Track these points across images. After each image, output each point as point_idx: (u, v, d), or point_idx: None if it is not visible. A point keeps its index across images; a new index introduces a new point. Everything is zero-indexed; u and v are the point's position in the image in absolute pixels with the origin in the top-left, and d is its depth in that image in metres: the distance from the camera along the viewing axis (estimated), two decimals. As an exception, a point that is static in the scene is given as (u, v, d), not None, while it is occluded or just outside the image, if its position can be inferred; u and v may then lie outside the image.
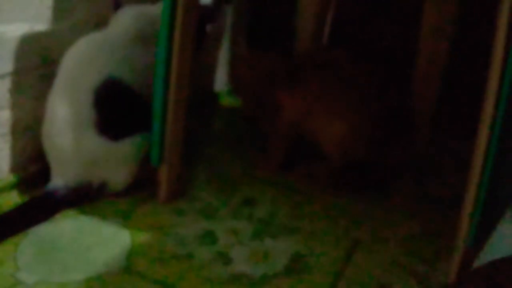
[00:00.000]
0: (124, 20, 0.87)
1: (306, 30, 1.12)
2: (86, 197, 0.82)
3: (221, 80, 1.37)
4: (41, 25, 0.86)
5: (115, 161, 0.83)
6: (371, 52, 1.11)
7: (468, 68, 1.05)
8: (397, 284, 0.70)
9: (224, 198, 0.88)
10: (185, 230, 0.79)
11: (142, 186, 0.86)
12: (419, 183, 0.94)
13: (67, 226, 0.77)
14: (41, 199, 0.80)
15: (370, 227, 0.82)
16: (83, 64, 0.80)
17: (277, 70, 0.93)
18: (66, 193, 0.80)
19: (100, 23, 0.92)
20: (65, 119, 0.79)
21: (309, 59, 0.94)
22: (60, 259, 0.70)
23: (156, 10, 0.88)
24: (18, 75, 0.83)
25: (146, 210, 0.83)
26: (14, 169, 0.86)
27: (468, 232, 0.67)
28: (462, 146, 0.90)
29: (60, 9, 0.88)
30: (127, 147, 0.83)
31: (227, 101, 1.34)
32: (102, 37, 0.85)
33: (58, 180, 0.81)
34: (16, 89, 0.83)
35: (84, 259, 0.71)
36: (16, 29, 0.82)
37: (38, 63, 0.86)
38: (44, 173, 0.85)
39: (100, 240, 0.75)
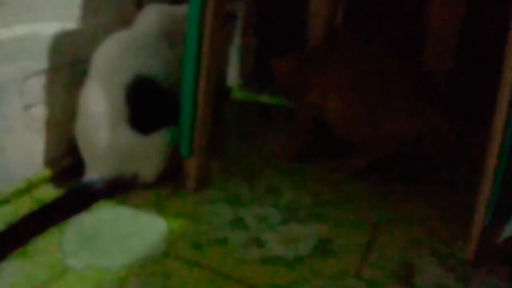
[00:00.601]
0: (150, 19, 0.91)
1: (317, 31, 1.17)
2: (119, 189, 0.86)
3: (232, 75, 1.41)
4: (71, 24, 0.89)
5: (146, 154, 0.87)
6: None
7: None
8: (419, 263, 0.75)
9: (248, 187, 0.93)
10: (216, 217, 0.83)
11: (169, 177, 0.90)
12: (435, 168, 0.99)
13: (105, 216, 0.81)
14: (78, 191, 0.84)
15: (390, 210, 0.87)
16: (113, 62, 0.84)
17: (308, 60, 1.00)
18: (102, 185, 0.84)
19: (125, 21, 0.95)
20: (99, 114, 0.83)
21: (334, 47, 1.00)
22: (103, 246, 0.74)
23: (180, 9, 0.92)
24: (51, 72, 0.87)
25: (176, 199, 0.88)
26: (49, 163, 0.90)
27: (485, 210, 0.72)
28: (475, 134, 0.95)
29: (88, 9, 0.92)
30: (157, 141, 0.87)
31: (239, 95, 1.39)
32: (129, 35, 0.88)
33: (93, 173, 0.85)
34: (50, 86, 0.87)
35: (125, 245, 0.75)
36: (48, 28, 0.85)
37: (69, 60, 0.90)
38: (76, 167, 0.89)
39: (138, 228, 0.79)
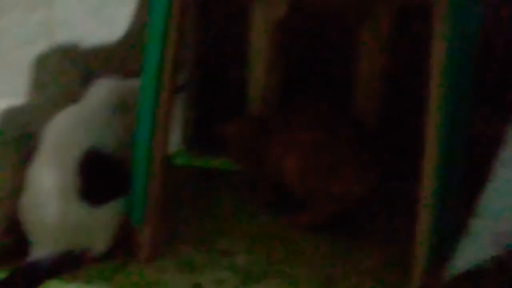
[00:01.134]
0: (99, 93, 0.94)
1: (256, 99, 1.26)
2: (69, 265, 0.83)
3: (174, 141, 1.44)
4: (17, 100, 0.89)
5: (97, 227, 0.85)
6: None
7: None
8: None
9: (202, 252, 0.94)
10: (174, 285, 0.83)
11: (119, 247, 0.89)
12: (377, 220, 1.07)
13: (55, 295, 0.78)
14: (24, 270, 0.80)
15: (340, 263, 0.92)
16: (65, 136, 0.85)
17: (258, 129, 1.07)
18: (50, 262, 0.81)
19: (72, 96, 0.97)
20: (49, 188, 0.82)
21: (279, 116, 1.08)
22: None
23: (129, 83, 0.96)
24: (-2, 148, 0.85)
25: (129, 271, 0.86)
26: (-11, 243, 0.85)
27: (424, 256, 0.79)
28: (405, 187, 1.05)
29: (35, 85, 0.92)
30: (108, 212, 0.86)
31: (181, 160, 1.41)
32: (80, 110, 0.90)
33: (40, 250, 0.82)
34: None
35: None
36: (-4, 105, 0.84)
37: (14, 137, 0.88)
38: (18, 246, 0.85)
39: (92, 305, 0.76)
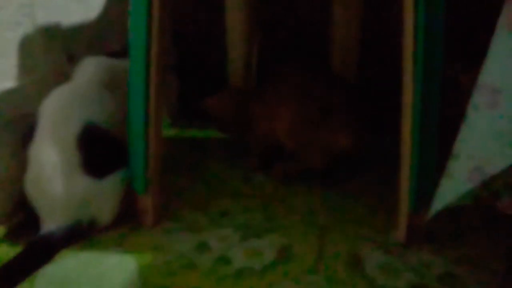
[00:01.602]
0: (89, 70, 0.96)
1: (236, 71, 1.30)
2: (78, 236, 0.88)
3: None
4: (9, 83, 0.91)
5: (102, 198, 0.90)
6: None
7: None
8: (364, 252, 0.87)
9: (202, 214, 1.00)
10: (181, 245, 0.89)
11: (124, 217, 0.94)
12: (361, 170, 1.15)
13: (71, 264, 0.83)
14: (38, 244, 0.84)
15: (331, 213, 1.00)
16: (61, 113, 0.88)
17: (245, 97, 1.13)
18: (61, 234, 0.85)
19: (60, 75, 0.99)
20: (52, 164, 0.85)
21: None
22: (78, 291, 0.76)
23: (115, 61, 0.99)
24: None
25: (138, 236, 0.91)
26: (0, 221, 0.89)
27: (408, 199, 0.87)
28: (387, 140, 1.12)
29: (24, 67, 0.94)
30: (112, 183, 0.91)
31: (168, 132, 1.45)
32: (73, 88, 0.93)
33: (50, 224, 0.86)
34: (-6, 145, 0.87)
35: (99, 286, 0.77)
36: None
37: (10, 119, 0.91)
38: (28, 222, 0.89)
39: (107, 269, 0.82)
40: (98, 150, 0.89)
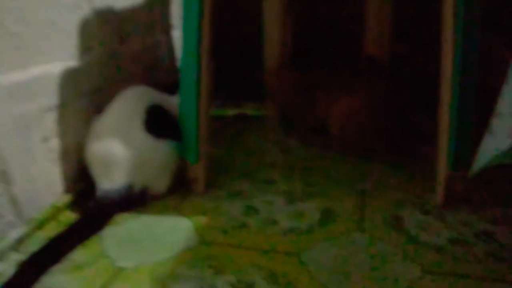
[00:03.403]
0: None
1: (273, 54, 1.38)
2: (134, 201, 0.95)
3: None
4: (72, 62, 0.99)
5: (157, 167, 0.97)
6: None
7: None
8: (404, 213, 0.92)
9: (248, 183, 1.07)
10: (231, 208, 0.96)
11: (173, 187, 1.01)
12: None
13: (133, 225, 0.91)
14: (95, 206, 0.92)
15: (370, 181, 1.05)
16: (135, 99, 1.00)
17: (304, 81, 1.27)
18: (117, 196, 0.92)
19: (111, 54, 1.07)
20: (117, 122, 0.95)
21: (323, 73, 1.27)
22: (143, 247, 0.84)
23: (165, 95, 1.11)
24: (61, 107, 0.96)
25: (190, 202, 0.99)
26: (67, 189, 0.98)
27: (447, 160, 0.91)
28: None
29: (82, 47, 1.02)
30: (167, 150, 0.98)
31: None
32: (142, 88, 1.05)
33: (105, 185, 0.93)
34: (61, 120, 0.96)
35: (162, 243, 0.85)
36: (56, 67, 0.95)
37: (74, 95, 0.99)
38: (90, 190, 0.97)
39: (167, 229, 0.90)
40: (159, 118, 0.99)
